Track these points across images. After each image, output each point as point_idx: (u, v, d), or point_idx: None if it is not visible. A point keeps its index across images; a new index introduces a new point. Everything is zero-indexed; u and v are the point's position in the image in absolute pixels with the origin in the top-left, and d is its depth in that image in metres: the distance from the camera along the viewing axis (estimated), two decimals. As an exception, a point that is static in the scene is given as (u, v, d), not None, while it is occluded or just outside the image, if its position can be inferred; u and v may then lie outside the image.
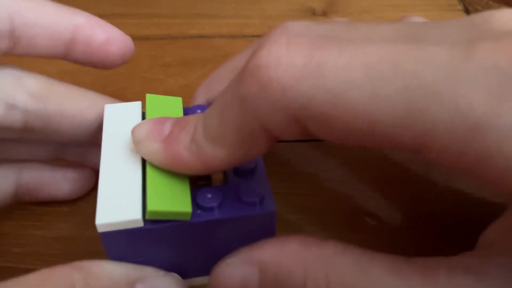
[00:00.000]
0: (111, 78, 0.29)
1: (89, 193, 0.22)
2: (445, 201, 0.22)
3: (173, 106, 0.19)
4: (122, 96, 0.28)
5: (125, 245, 0.16)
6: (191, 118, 0.16)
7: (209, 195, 0.16)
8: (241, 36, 0.33)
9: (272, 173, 0.23)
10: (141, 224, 0.15)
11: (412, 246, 0.20)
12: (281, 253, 0.15)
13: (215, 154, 0.15)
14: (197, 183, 0.18)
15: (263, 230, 0.17)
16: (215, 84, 0.21)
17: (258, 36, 0.33)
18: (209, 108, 0.15)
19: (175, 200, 0.16)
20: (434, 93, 0.11)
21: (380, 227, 0.21)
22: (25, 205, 0.22)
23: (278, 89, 0.13)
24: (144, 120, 0.17)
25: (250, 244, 0.16)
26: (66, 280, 0.15)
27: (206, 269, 0.17)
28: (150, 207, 0.15)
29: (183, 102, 0.19)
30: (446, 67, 0.12)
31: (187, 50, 0.32)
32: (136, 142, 0.16)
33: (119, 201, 0.16)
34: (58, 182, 0.21)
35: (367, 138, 0.13)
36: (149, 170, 0.16)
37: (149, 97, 0.19)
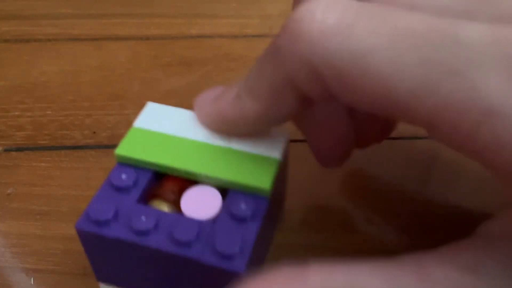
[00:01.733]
0: (111, 78, 0.29)
1: (89, 193, 0.22)
2: (445, 201, 0.22)
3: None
4: (122, 96, 0.28)
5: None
6: (239, 79, 0.17)
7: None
8: (241, 36, 0.33)
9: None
10: None
11: (412, 246, 0.20)
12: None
13: (252, 107, 0.16)
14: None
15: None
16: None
17: (258, 36, 0.33)
18: (253, 65, 0.16)
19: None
20: (453, 70, 0.11)
21: (379, 227, 0.21)
22: (25, 204, 0.22)
23: (306, 43, 0.13)
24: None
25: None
26: None
27: None
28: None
29: (183, 102, 0.19)
30: (471, 47, 0.12)
31: (187, 50, 0.32)
32: (195, 108, 0.18)
33: None
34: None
35: (384, 105, 0.13)
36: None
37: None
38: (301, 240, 0.20)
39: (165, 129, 0.18)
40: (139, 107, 0.27)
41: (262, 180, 0.16)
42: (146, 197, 0.17)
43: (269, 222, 0.18)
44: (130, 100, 0.28)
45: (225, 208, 0.16)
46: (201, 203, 0.16)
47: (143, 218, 0.15)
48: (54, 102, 0.28)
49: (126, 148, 0.17)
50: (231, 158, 0.17)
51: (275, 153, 0.17)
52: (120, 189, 0.16)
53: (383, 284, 0.13)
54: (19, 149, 0.25)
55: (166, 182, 0.17)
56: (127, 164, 0.17)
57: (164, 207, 0.16)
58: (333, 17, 0.13)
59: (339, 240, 0.20)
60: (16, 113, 0.27)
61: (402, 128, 0.25)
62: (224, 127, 0.17)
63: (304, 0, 0.14)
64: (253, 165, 0.17)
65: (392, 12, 0.13)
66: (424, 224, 0.21)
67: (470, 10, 0.13)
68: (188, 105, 0.19)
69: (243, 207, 0.16)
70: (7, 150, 0.25)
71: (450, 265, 0.13)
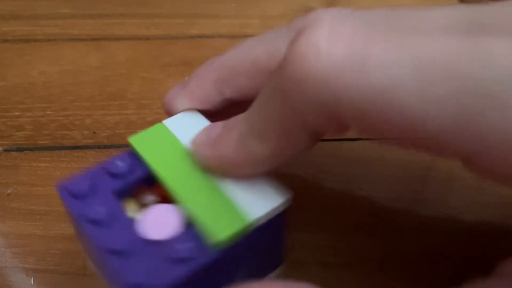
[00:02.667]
0: (111, 78, 0.29)
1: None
2: (445, 199, 0.22)
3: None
4: (122, 96, 0.28)
5: None
6: (237, 118, 0.16)
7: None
8: (241, 36, 0.33)
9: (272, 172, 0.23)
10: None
11: (412, 246, 0.20)
12: None
13: (260, 150, 0.14)
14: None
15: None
16: (234, 77, 0.18)
17: (258, 36, 0.33)
18: (253, 103, 0.15)
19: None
20: (493, 96, 0.10)
21: (380, 227, 0.21)
22: (25, 204, 0.22)
23: (317, 83, 0.12)
24: (200, 130, 0.17)
25: None
26: None
27: None
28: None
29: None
30: (505, 66, 0.10)
31: (187, 50, 0.32)
32: (192, 150, 0.16)
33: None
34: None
35: (412, 141, 0.12)
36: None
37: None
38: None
39: (183, 138, 0.17)
40: (139, 107, 0.27)
41: (219, 231, 0.15)
42: (130, 192, 0.17)
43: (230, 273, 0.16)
44: (130, 100, 0.28)
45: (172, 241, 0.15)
46: (158, 222, 0.15)
47: (102, 209, 0.15)
48: (54, 102, 0.28)
49: (138, 140, 0.17)
50: (212, 195, 0.16)
51: (255, 213, 0.15)
52: (110, 174, 0.17)
53: None
54: (19, 149, 0.25)
55: (150, 187, 0.17)
56: (134, 154, 0.17)
57: (131, 207, 0.16)
58: (341, 48, 0.12)
59: (340, 240, 0.20)
60: (16, 113, 0.27)
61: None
62: (226, 171, 0.16)
63: (301, 27, 0.13)
64: (225, 213, 0.15)
65: (406, 36, 0.12)
66: (424, 224, 0.21)
67: (485, 24, 0.12)
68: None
69: (184, 246, 0.14)
70: (7, 150, 0.25)
71: None
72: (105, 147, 0.25)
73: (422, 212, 0.22)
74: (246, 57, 0.18)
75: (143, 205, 0.16)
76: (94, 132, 0.26)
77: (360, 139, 0.25)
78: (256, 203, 0.15)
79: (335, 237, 0.21)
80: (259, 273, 0.17)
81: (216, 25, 0.34)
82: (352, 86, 0.12)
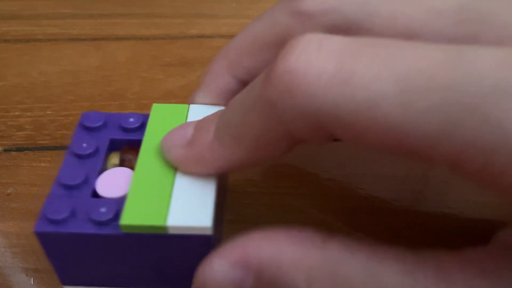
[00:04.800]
0: (111, 78, 0.29)
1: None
2: (445, 199, 0.22)
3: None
4: (122, 96, 0.28)
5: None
6: (211, 117, 0.16)
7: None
8: (241, 36, 0.33)
9: (273, 172, 0.23)
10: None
11: (412, 246, 0.20)
12: (280, 257, 0.14)
13: (235, 152, 0.15)
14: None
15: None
16: (239, 58, 0.19)
17: (258, 36, 0.33)
18: (230, 103, 0.15)
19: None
20: (474, 109, 0.11)
21: (380, 227, 0.21)
22: (25, 204, 0.22)
23: (305, 96, 0.12)
24: (171, 130, 0.17)
25: (238, 239, 0.14)
26: None
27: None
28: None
29: (183, 102, 0.19)
30: (490, 79, 0.11)
31: (187, 50, 0.32)
32: (165, 151, 0.16)
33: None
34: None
35: (398, 150, 0.12)
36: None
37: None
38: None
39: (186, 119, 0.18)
40: (139, 107, 0.27)
41: (131, 216, 0.15)
42: (120, 147, 0.18)
43: None
44: (130, 100, 0.28)
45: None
46: (109, 180, 0.17)
47: (87, 147, 0.17)
48: (54, 102, 0.28)
49: (158, 109, 0.18)
50: (159, 185, 0.16)
51: (174, 220, 0.15)
52: (119, 124, 0.18)
53: (400, 275, 0.13)
54: (19, 149, 0.25)
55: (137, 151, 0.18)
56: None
57: (113, 159, 0.18)
58: (330, 65, 0.12)
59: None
60: (16, 113, 0.27)
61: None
62: (201, 169, 0.16)
63: (291, 40, 0.13)
64: (152, 205, 0.15)
65: (392, 49, 0.12)
66: (424, 224, 0.21)
67: (471, 33, 0.12)
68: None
69: (100, 211, 0.15)
70: (7, 150, 0.25)
71: (470, 270, 0.13)
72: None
73: (422, 212, 0.22)
74: (246, 36, 0.18)
75: (122, 161, 0.18)
76: (94, 132, 0.26)
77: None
78: (183, 215, 0.15)
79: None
80: (166, 282, 0.17)
81: (216, 25, 0.34)
82: (338, 101, 0.12)
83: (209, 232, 0.15)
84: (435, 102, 0.11)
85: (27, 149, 0.25)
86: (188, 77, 0.29)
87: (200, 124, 0.16)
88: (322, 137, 0.13)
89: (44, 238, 0.16)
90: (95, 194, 0.16)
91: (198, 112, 0.18)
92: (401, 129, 0.11)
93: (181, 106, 0.19)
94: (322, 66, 0.12)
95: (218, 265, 0.14)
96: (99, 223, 0.15)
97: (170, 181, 0.16)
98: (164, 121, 0.18)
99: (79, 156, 0.17)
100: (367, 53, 0.12)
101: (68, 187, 0.16)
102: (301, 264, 0.14)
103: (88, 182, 0.16)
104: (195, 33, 0.33)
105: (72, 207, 0.16)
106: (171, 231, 0.15)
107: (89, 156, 0.17)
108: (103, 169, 0.17)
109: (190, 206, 0.15)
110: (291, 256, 0.14)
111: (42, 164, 0.24)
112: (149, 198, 0.15)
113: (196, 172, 0.16)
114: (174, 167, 0.16)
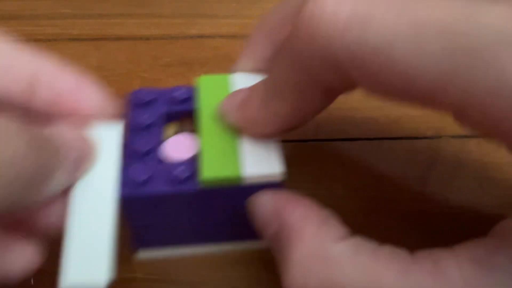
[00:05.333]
0: (111, 78, 0.29)
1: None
2: (446, 199, 0.22)
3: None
4: (122, 96, 0.28)
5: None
6: (259, 82, 0.17)
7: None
8: (241, 36, 0.33)
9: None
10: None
11: (412, 244, 0.20)
12: (303, 230, 0.15)
13: (280, 109, 0.16)
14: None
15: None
16: (277, 25, 0.20)
17: (258, 36, 0.33)
18: (270, 66, 0.16)
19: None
20: (480, 56, 0.11)
21: (380, 227, 0.21)
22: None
23: (324, 40, 0.13)
24: (226, 96, 0.18)
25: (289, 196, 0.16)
26: None
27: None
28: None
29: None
30: (497, 30, 0.11)
31: (187, 50, 0.32)
32: (222, 116, 0.18)
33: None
34: (10, 257, 0.16)
35: (409, 93, 0.13)
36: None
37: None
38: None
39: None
40: (139, 107, 0.27)
41: (210, 170, 0.17)
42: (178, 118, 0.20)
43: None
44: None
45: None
46: (175, 146, 0.18)
47: (147, 118, 0.19)
48: (54, 102, 0.28)
49: (205, 80, 0.20)
50: (225, 143, 0.17)
51: (248, 171, 0.17)
52: (171, 98, 0.20)
53: (397, 276, 0.13)
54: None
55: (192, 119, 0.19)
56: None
57: (171, 130, 0.19)
58: (346, 9, 0.13)
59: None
60: (16, 113, 0.27)
61: (402, 128, 0.25)
62: (253, 132, 0.17)
63: None
64: (225, 160, 0.17)
65: (406, 0, 0.13)
66: (424, 224, 0.21)
67: None
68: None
69: (178, 171, 0.17)
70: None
71: (465, 262, 0.13)
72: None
73: (422, 212, 0.22)
74: (284, 5, 0.20)
75: (181, 129, 0.19)
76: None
77: (360, 139, 0.25)
78: (255, 165, 0.17)
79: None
80: (240, 236, 0.19)
81: (216, 25, 0.34)
82: (355, 44, 0.13)
83: (280, 178, 0.17)
84: (446, 47, 0.12)
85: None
86: (188, 77, 0.29)
87: (250, 89, 0.18)
88: (346, 83, 0.14)
89: (129, 203, 0.17)
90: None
91: (243, 80, 0.19)
92: (413, 70, 0.12)
93: (226, 76, 0.20)
94: (341, 10, 0.13)
95: (265, 200, 0.17)
96: (180, 182, 0.17)
97: (235, 139, 0.18)
98: (214, 90, 0.19)
99: (141, 129, 0.19)
100: (385, 1, 0.13)
101: (140, 155, 0.18)
102: (314, 246, 0.15)
103: (155, 150, 0.18)
104: (195, 33, 0.33)
105: (150, 171, 0.17)
106: (246, 182, 0.17)
107: (149, 127, 0.19)
108: (164, 138, 0.19)
109: (260, 157, 0.17)
110: (311, 235, 0.15)
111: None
112: (221, 154, 0.17)
113: (253, 134, 0.18)
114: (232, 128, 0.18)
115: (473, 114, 0.12)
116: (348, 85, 0.14)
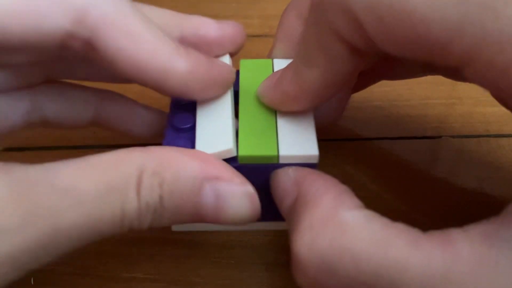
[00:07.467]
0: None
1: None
2: (446, 199, 0.22)
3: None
4: (122, 96, 0.28)
5: None
6: (292, 61, 0.18)
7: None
8: (241, 36, 0.33)
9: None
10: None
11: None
12: (320, 199, 0.15)
13: (310, 75, 0.16)
14: None
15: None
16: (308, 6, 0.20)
17: (258, 36, 0.33)
18: (299, 40, 0.17)
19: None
20: (489, 6, 0.12)
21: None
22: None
23: None
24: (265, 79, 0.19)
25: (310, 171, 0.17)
26: (137, 163, 0.15)
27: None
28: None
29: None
30: None
31: (187, 50, 0.31)
32: (260, 97, 0.19)
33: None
34: (138, 118, 0.22)
35: (420, 46, 0.13)
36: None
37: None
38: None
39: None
40: (139, 107, 0.27)
41: (247, 148, 0.17)
42: None
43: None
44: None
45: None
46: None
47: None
48: (54, 102, 0.28)
49: (246, 63, 0.21)
50: (263, 123, 0.18)
51: (284, 151, 0.17)
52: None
53: (407, 245, 0.14)
54: (19, 149, 0.25)
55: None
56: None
57: None
58: None
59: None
60: (16, 113, 0.27)
61: (402, 128, 0.25)
62: (288, 106, 0.18)
63: None
64: (262, 139, 0.18)
65: None
66: (424, 224, 0.21)
67: None
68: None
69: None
70: (7, 150, 0.25)
71: (475, 236, 0.13)
72: (105, 147, 0.25)
73: (422, 212, 0.22)
74: None
75: None
76: (94, 132, 0.26)
77: (360, 139, 0.25)
78: (291, 145, 0.17)
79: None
80: (273, 216, 0.18)
81: (216, 25, 0.34)
82: None
83: (315, 160, 0.17)
84: None
85: (27, 149, 0.25)
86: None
87: (285, 67, 0.18)
88: (364, 40, 0.15)
89: None
90: None
91: (283, 64, 0.19)
92: (427, 20, 0.13)
93: (266, 61, 0.21)
94: None
95: (288, 172, 0.17)
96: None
97: (272, 120, 0.18)
98: (254, 73, 0.20)
99: (182, 106, 0.19)
100: None
101: (180, 131, 0.18)
102: (328, 219, 0.15)
103: (194, 128, 0.18)
104: (195, 33, 0.33)
105: (189, 147, 0.17)
106: (282, 161, 0.17)
107: (188, 105, 0.19)
108: None
109: (295, 138, 0.18)
110: (325, 207, 0.15)
111: (42, 164, 0.24)
112: (259, 134, 0.18)
113: (289, 109, 0.18)
114: (273, 109, 0.19)
115: (480, 65, 0.12)
116: (369, 45, 0.15)
